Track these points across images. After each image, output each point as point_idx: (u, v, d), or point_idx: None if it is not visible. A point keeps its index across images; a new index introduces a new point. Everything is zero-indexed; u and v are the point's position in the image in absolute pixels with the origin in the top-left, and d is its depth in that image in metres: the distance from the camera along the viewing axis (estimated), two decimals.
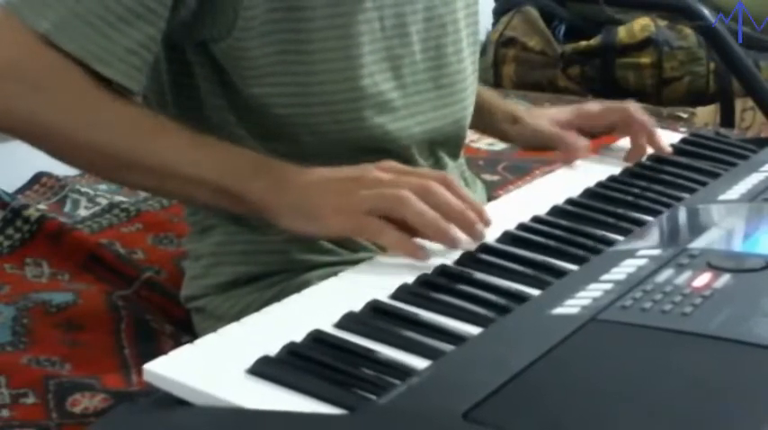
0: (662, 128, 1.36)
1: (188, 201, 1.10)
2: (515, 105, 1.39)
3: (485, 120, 1.32)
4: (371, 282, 0.86)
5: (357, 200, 0.93)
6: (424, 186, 0.93)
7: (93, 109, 0.99)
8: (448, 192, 0.94)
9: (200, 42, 1.06)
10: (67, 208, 1.61)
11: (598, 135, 1.34)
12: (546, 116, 1.31)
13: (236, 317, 0.80)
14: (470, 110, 1.21)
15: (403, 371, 0.70)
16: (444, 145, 1.18)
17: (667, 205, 1.07)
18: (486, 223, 0.95)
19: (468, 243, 0.93)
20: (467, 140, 1.25)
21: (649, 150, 1.25)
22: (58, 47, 0.97)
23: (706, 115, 2.52)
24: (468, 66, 1.19)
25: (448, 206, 0.93)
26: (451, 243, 0.92)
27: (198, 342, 0.75)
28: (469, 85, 1.20)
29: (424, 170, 0.99)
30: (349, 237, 0.98)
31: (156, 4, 0.98)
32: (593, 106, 1.32)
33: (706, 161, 1.22)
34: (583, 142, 1.24)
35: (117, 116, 1.00)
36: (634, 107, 1.27)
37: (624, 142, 1.28)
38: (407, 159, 1.12)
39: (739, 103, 2.57)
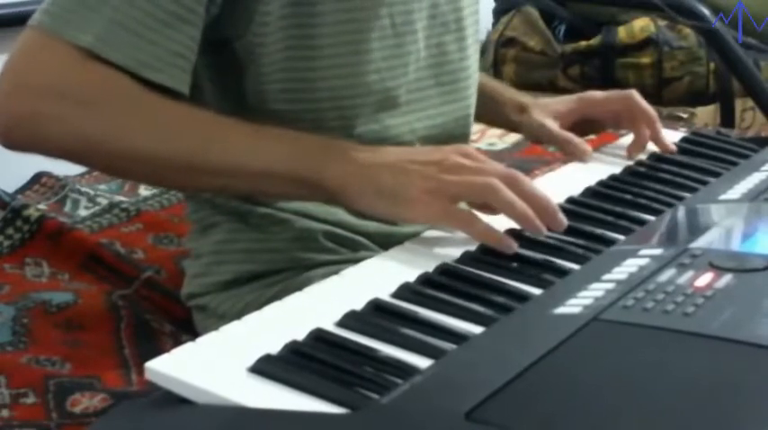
0: (662, 127, 1.36)
1: (258, 195, 1.07)
2: (522, 95, 1.39)
3: (492, 110, 1.32)
4: (373, 281, 0.85)
5: (445, 185, 0.92)
6: (510, 175, 0.93)
7: (148, 116, 0.97)
8: (530, 181, 0.95)
9: (217, 42, 1.05)
10: (67, 208, 1.61)
11: (601, 127, 1.34)
12: (551, 110, 1.31)
13: (238, 315, 0.80)
14: (473, 108, 1.21)
15: (405, 370, 0.70)
16: (448, 142, 1.18)
17: (668, 204, 1.06)
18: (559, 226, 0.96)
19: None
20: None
21: (651, 145, 1.25)
22: (104, 59, 0.96)
23: (706, 115, 2.52)
24: (472, 64, 1.20)
25: (533, 196, 0.93)
26: (537, 231, 0.93)
27: (200, 340, 0.75)
28: (472, 84, 1.21)
29: (496, 163, 1.00)
30: (434, 224, 0.96)
31: (194, 4, 0.98)
32: (597, 94, 1.33)
33: (707, 160, 1.22)
34: (586, 147, 1.24)
35: (175, 120, 0.98)
36: (637, 96, 1.27)
37: (625, 140, 1.28)
38: None
39: (739, 103, 2.56)
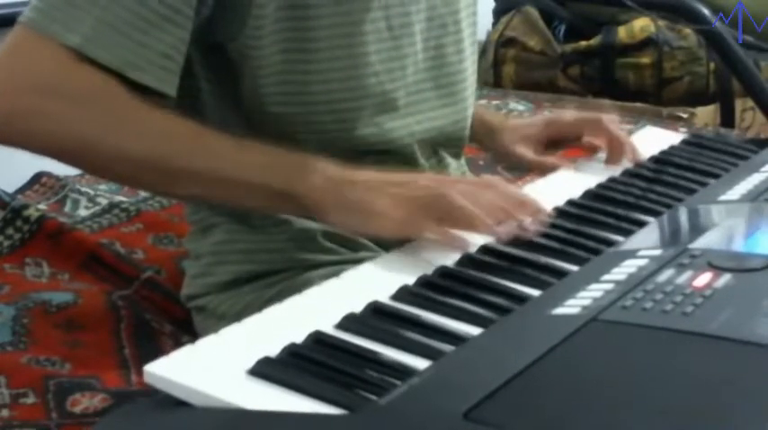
0: (662, 128, 1.36)
1: (238, 206, 1.09)
2: (492, 115, 1.39)
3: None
4: (372, 283, 0.86)
5: (406, 199, 0.95)
6: (467, 189, 0.95)
7: (134, 121, 0.98)
8: (491, 191, 0.96)
9: (211, 45, 1.05)
10: (67, 208, 1.61)
11: (568, 145, 1.33)
12: (521, 134, 1.30)
13: (237, 316, 0.80)
14: (471, 110, 1.21)
15: (404, 372, 0.70)
16: (446, 145, 1.18)
17: (668, 206, 1.07)
18: (536, 214, 0.97)
19: (508, 234, 0.95)
20: None
21: (651, 148, 1.25)
22: (92, 59, 0.96)
23: (706, 115, 2.52)
24: (469, 66, 1.19)
25: (488, 202, 0.94)
26: (491, 232, 0.94)
27: (198, 343, 0.75)
28: (470, 86, 1.20)
29: (473, 178, 1.02)
30: (399, 237, 0.98)
31: (182, 6, 0.98)
32: (566, 116, 1.32)
33: (706, 162, 1.22)
34: (563, 163, 1.24)
35: (159, 126, 0.99)
36: (606, 121, 1.25)
37: None
38: (409, 158, 1.12)
39: (739, 103, 2.56)
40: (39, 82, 0.97)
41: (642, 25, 2.60)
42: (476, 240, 0.94)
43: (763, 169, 1.17)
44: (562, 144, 1.32)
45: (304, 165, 0.99)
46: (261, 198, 1.00)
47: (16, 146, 1.00)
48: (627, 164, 1.21)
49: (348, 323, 0.78)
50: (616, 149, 1.23)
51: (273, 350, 0.73)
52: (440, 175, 1.01)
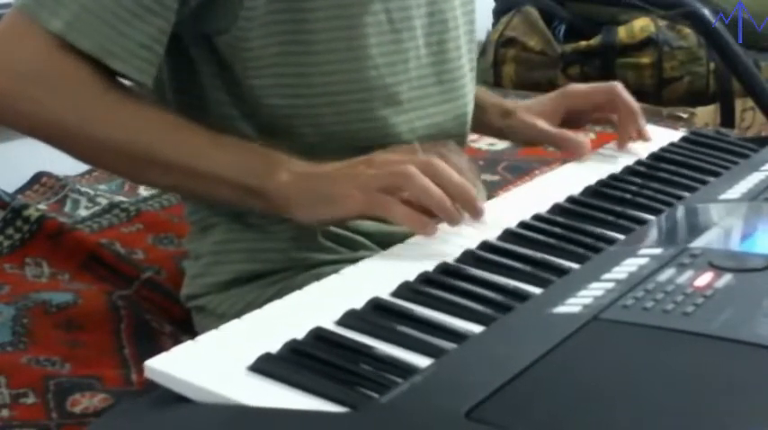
0: (662, 128, 1.36)
1: (208, 199, 1.10)
2: (504, 99, 1.39)
3: (476, 117, 1.32)
4: (373, 280, 0.85)
5: (367, 178, 0.95)
6: (426, 163, 0.95)
7: (111, 109, 1.00)
8: (450, 169, 0.95)
9: (203, 36, 1.06)
10: (67, 208, 1.61)
11: (585, 121, 1.34)
12: (538, 110, 1.31)
13: (237, 315, 0.80)
14: (471, 107, 1.21)
15: (405, 369, 0.70)
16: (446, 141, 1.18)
17: (668, 204, 1.06)
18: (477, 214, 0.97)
19: (468, 220, 0.95)
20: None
21: (650, 146, 1.25)
22: (73, 45, 0.98)
23: (706, 115, 2.52)
24: (465, 63, 1.19)
25: (450, 183, 0.94)
26: (452, 218, 0.94)
27: (199, 339, 0.74)
28: (468, 83, 1.20)
29: (428, 147, 1.02)
30: (363, 216, 1.00)
31: None
32: (580, 87, 1.33)
33: (707, 160, 1.22)
34: (583, 137, 1.25)
35: (135, 116, 1.01)
36: (620, 88, 1.27)
37: None
38: None
39: (739, 103, 2.57)
40: (20, 67, 1.00)
41: (642, 25, 2.60)
42: (475, 236, 0.94)
43: (763, 168, 1.17)
44: (574, 120, 1.32)
45: (272, 162, 1.00)
46: (231, 193, 1.01)
47: (3, 124, 1.03)
48: (634, 156, 1.22)
49: (349, 319, 0.78)
50: (628, 118, 1.25)
51: (274, 346, 0.72)
52: (400, 148, 1.01)
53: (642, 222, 1.01)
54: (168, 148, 1.01)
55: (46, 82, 0.99)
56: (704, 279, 0.82)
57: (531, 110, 1.31)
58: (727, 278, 0.82)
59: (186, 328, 1.23)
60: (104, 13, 0.98)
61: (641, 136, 1.25)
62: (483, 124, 1.33)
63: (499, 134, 1.38)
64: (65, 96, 0.99)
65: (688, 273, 0.83)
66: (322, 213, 0.98)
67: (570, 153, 1.24)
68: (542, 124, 1.28)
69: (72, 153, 1.04)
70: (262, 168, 1.00)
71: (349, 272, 0.89)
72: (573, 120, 1.32)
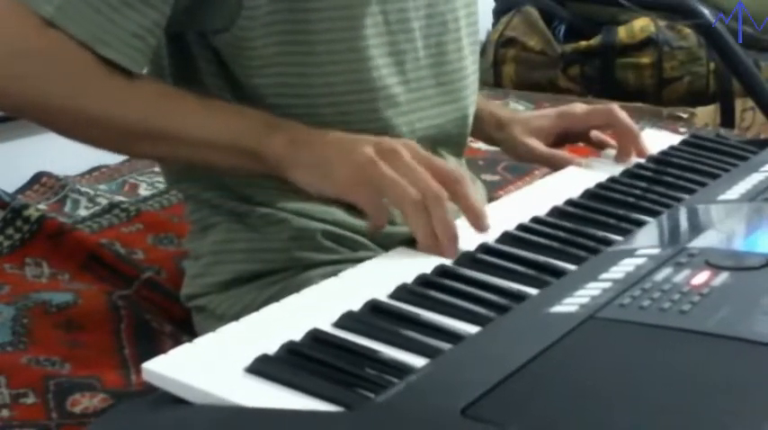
0: (662, 128, 1.36)
1: (202, 166, 1.09)
2: (501, 109, 1.39)
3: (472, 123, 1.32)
4: (370, 282, 0.86)
5: (376, 176, 0.96)
6: (434, 195, 0.94)
7: (101, 84, 1.01)
8: (450, 218, 0.94)
9: (202, 34, 1.06)
10: (67, 208, 1.61)
11: (582, 140, 1.33)
12: (532, 127, 1.30)
13: (237, 315, 0.80)
14: (472, 109, 1.21)
15: (401, 370, 0.70)
16: (446, 143, 1.18)
17: (667, 206, 1.06)
18: (483, 229, 0.97)
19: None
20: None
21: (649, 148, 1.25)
22: (63, 29, 0.99)
23: (706, 115, 2.52)
24: (468, 65, 1.20)
25: (444, 226, 0.93)
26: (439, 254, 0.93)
27: (197, 341, 0.75)
28: (470, 84, 1.20)
29: (441, 164, 1.00)
30: (340, 199, 1.02)
31: None
32: (578, 108, 1.31)
33: (707, 163, 1.22)
34: (576, 160, 1.24)
35: (124, 87, 1.01)
36: (617, 110, 1.26)
37: None
38: None
39: (739, 103, 2.57)
40: (7, 48, 1.00)
41: (642, 25, 2.60)
42: (474, 239, 0.94)
43: (762, 169, 1.17)
44: (570, 138, 1.32)
45: (270, 123, 1.01)
46: (226, 157, 1.02)
47: None
48: (635, 159, 1.22)
49: (346, 321, 0.78)
50: (627, 140, 1.24)
51: (272, 348, 0.73)
52: (413, 149, 0.99)
53: (641, 225, 1.01)
54: (160, 118, 1.01)
55: (34, 58, 1.00)
56: (701, 277, 0.82)
57: (528, 124, 1.31)
58: (724, 276, 0.82)
59: (186, 328, 1.23)
60: (95, 1, 0.99)
61: (640, 155, 1.24)
62: (479, 131, 1.33)
63: (491, 142, 1.38)
64: (53, 71, 1.00)
65: (685, 272, 0.83)
66: (314, 183, 1.00)
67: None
68: (534, 143, 1.28)
69: (60, 129, 1.05)
70: (257, 129, 1.01)
71: (347, 274, 0.89)
72: (569, 137, 1.32)
